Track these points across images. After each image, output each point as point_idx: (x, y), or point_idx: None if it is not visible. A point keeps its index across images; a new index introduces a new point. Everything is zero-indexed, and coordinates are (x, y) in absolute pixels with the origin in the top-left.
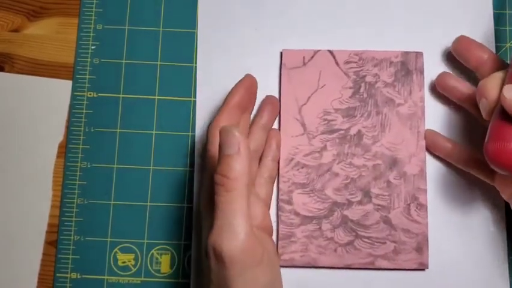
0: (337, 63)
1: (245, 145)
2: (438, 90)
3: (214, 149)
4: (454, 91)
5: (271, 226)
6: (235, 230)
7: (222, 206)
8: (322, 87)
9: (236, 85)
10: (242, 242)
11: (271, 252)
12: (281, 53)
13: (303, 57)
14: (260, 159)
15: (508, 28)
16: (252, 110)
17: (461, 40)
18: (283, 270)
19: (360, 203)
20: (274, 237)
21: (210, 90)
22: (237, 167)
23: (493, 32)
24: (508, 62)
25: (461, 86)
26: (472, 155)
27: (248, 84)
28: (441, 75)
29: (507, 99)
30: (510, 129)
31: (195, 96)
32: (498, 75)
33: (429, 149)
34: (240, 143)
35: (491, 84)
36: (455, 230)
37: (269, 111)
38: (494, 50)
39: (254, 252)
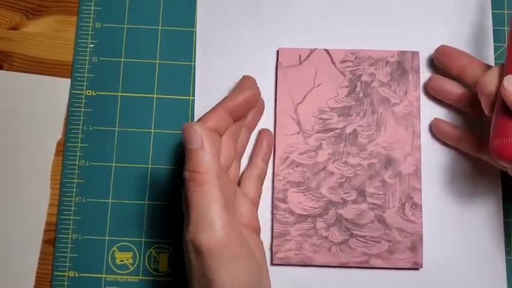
0: (333, 62)
1: (208, 138)
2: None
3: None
4: (446, 93)
5: (259, 225)
6: (211, 222)
7: (196, 201)
8: (318, 86)
9: (236, 92)
10: (219, 233)
11: (257, 248)
12: (277, 52)
13: (299, 56)
14: (250, 159)
15: (506, 28)
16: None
17: (441, 50)
18: (277, 269)
19: (355, 202)
20: (269, 235)
21: (208, 89)
22: (204, 161)
23: (491, 32)
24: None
25: (452, 87)
26: (481, 140)
27: (249, 97)
28: (432, 79)
29: (507, 90)
30: (511, 123)
31: (193, 95)
32: (495, 70)
33: (438, 137)
34: (203, 136)
35: (490, 79)
36: (449, 230)
37: (253, 112)
38: (492, 50)
39: (232, 243)
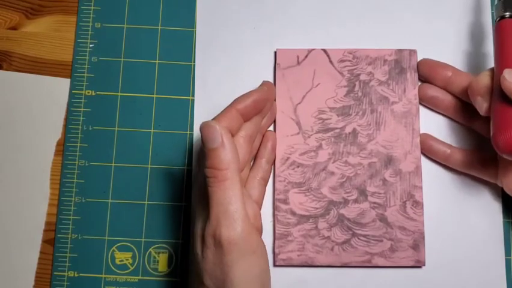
0: (331, 62)
1: (227, 135)
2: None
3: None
4: (435, 101)
5: (262, 227)
6: (232, 216)
7: (217, 196)
8: (316, 86)
9: (247, 93)
10: (240, 227)
11: (263, 246)
12: (275, 53)
13: (297, 57)
14: (254, 160)
15: None
16: (262, 118)
17: (424, 63)
18: (280, 270)
19: (356, 201)
20: (271, 236)
21: (208, 89)
22: (225, 158)
23: (490, 30)
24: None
25: (440, 94)
26: (471, 156)
27: (258, 98)
28: (420, 87)
29: (507, 80)
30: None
31: (193, 95)
32: (487, 73)
33: (425, 154)
34: (223, 134)
35: (483, 80)
36: (451, 227)
37: (268, 115)
38: (492, 48)
39: (250, 239)
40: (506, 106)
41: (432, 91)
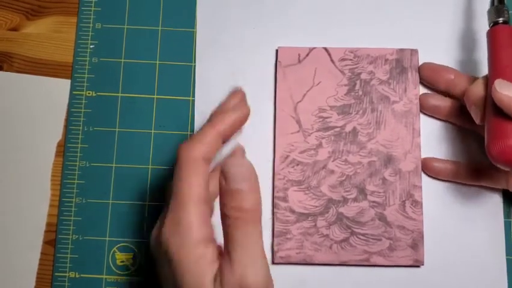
0: (332, 61)
1: (255, 175)
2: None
3: (191, 178)
4: (436, 109)
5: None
6: (258, 263)
7: (241, 241)
8: (317, 84)
9: (229, 113)
10: (266, 273)
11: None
12: (276, 51)
13: (299, 55)
14: None
15: None
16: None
17: (425, 67)
18: (278, 267)
19: (355, 200)
20: (269, 234)
21: (208, 89)
22: (253, 199)
23: None
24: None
25: (440, 102)
26: (478, 167)
27: (241, 117)
28: (421, 98)
29: (499, 92)
30: (506, 126)
31: (193, 96)
32: (481, 81)
33: (431, 175)
34: (252, 174)
35: (476, 90)
36: (450, 227)
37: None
38: None
39: (271, 282)
40: (499, 116)
41: (435, 100)
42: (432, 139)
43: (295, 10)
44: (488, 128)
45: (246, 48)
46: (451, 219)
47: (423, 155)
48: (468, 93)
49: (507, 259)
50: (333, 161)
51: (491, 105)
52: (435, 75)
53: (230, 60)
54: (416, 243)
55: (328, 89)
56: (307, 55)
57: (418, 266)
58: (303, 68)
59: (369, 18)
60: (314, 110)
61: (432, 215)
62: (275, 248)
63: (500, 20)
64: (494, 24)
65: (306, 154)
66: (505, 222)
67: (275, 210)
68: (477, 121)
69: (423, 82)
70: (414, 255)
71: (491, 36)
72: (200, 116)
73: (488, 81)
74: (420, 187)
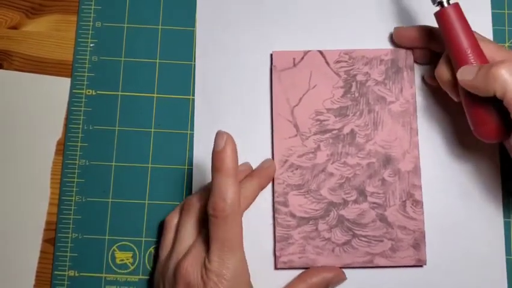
0: (327, 63)
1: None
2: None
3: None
4: (410, 40)
5: None
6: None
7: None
8: (313, 87)
9: (269, 172)
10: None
11: None
12: (271, 55)
13: (293, 59)
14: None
15: (506, 28)
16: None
17: (395, 34)
18: (281, 273)
19: (355, 202)
20: (271, 239)
21: (208, 88)
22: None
23: (491, 32)
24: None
25: (412, 32)
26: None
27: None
28: (394, 32)
29: (463, 80)
30: (482, 112)
31: (193, 94)
32: (442, 62)
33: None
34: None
35: (442, 72)
36: (452, 226)
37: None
38: None
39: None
40: (473, 100)
41: (404, 31)
42: (430, 138)
43: (296, 13)
44: (469, 113)
45: (246, 48)
46: (452, 218)
47: (422, 154)
48: (436, 76)
49: (507, 259)
50: (332, 164)
51: (463, 90)
52: (403, 39)
53: (230, 60)
54: (418, 243)
55: (324, 91)
56: (302, 59)
57: (421, 266)
58: (299, 71)
59: (363, 19)
60: (311, 113)
61: (433, 215)
62: (277, 253)
63: (444, 1)
64: (439, 3)
65: (304, 158)
66: (505, 222)
67: (276, 215)
68: (455, 99)
69: (398, 44)
70: (417, 255)
71: (442, 19)
72: (200, 115)
73: (450, 60)
74: (420, 187)
